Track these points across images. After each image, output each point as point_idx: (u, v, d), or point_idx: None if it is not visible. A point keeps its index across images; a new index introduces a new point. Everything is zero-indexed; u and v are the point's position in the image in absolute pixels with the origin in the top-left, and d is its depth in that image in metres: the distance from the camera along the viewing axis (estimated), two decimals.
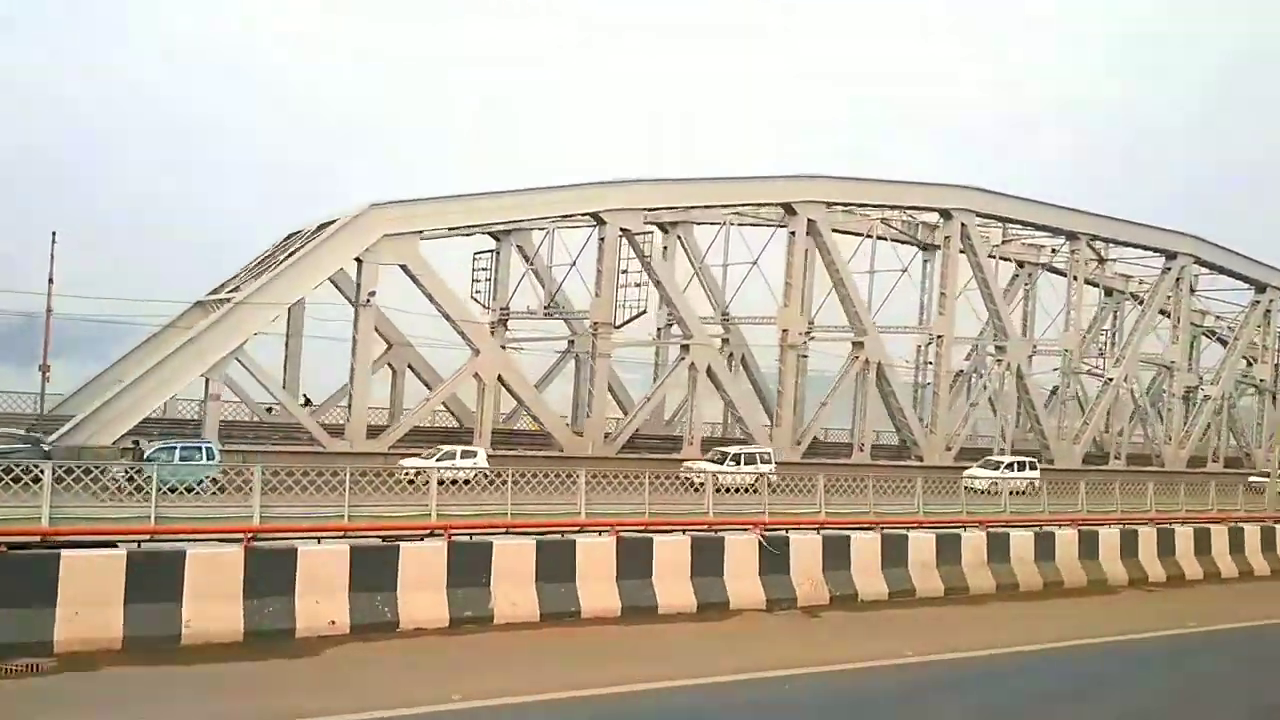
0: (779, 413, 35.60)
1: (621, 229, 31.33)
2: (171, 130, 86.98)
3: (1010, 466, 31.07)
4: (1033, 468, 31.54)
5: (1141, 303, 45.44)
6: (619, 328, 31.91)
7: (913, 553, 20.06)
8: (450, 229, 30.78)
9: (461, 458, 24.88)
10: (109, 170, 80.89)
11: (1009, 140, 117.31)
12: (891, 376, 37.59)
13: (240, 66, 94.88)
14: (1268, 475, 37.33)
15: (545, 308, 35.40)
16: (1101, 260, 45.26)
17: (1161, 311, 45.30)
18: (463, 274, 38.70)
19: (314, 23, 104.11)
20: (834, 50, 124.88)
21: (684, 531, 18.07)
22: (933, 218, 40.42)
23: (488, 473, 21.74)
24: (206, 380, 25.14)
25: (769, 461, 28.36)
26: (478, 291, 39.73)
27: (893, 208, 37.99)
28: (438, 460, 23.95)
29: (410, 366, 34.45)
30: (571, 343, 37.28)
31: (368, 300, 27.31)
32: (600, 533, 17.22)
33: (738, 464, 27.70)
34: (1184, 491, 28.44)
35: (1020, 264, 45.53)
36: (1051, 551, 22.30)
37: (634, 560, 16.69)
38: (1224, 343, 49.82)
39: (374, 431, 28.99)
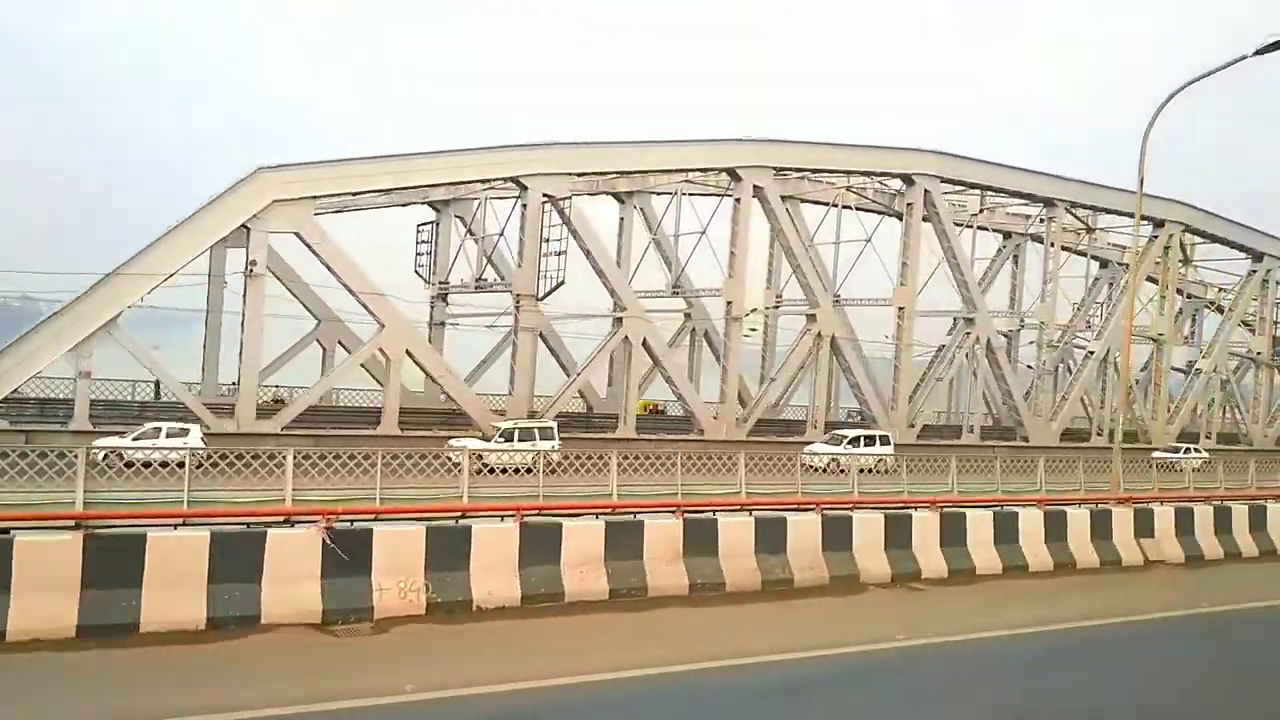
0: (724, 388, 33.65)
1: (545, 195, 29.38)
2: None
3: (857, 441, 28.76)
4: (885, 442, 29.11)
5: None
6: (541, 299, 29.96)
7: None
8: (355, 194, 29.00)
9: (168, 437, 21.53)
10: None
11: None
12: (851, 351, 35.53)
13: None
14: (1177, 450, 35.05)
15: (476, 281, 33.55)
16: (1089, 229, 42.61)
17: (1150, 279, 42.97)
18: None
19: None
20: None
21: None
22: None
23: (201, 453, 17.78)
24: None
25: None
26: (420, 265, 38.05)
27: (847, 173, 35.60)
28: (134, 439, 20.97)
29: (341, 343, 32.85)
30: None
31: (250, 270, 25.57)
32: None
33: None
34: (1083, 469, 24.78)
35: (1006, 234, 42.94)
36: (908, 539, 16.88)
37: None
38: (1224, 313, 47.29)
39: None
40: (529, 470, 20.55)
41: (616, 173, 33.04)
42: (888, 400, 36.19)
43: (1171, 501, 21.03)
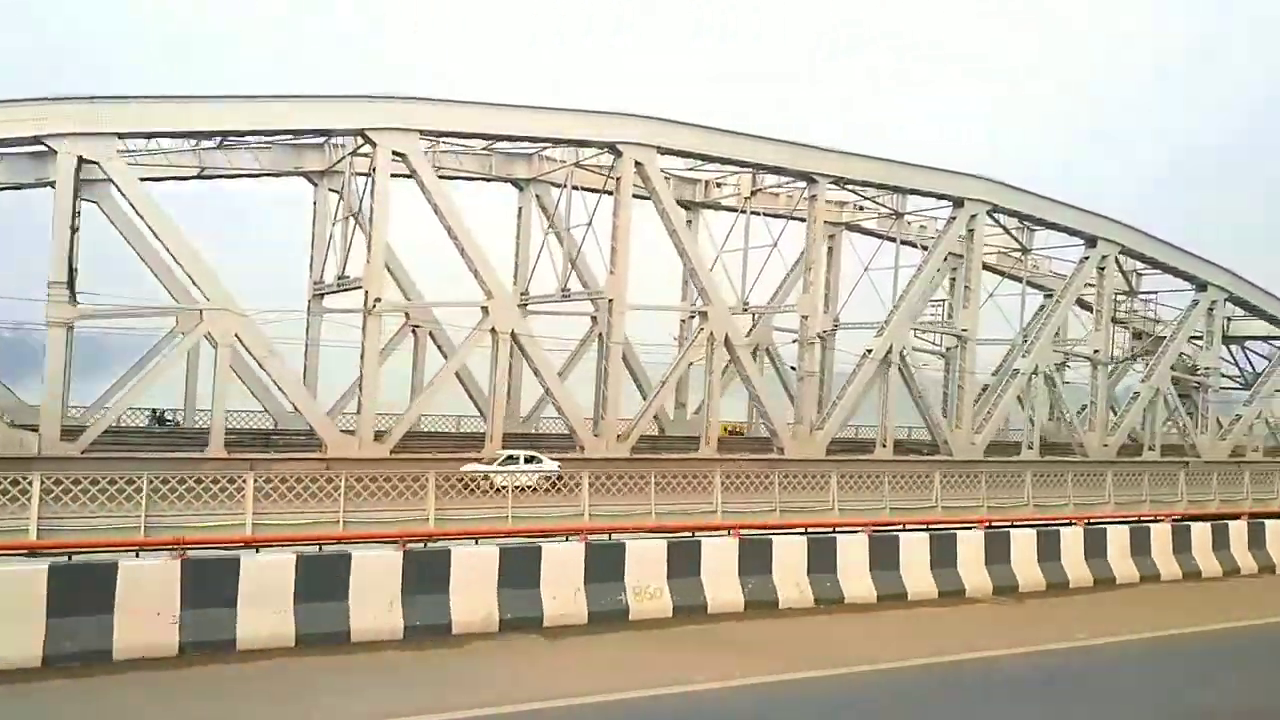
0: (605, 397, 30.33)
1: (395, 153, 26.41)
2: None
3: (511, 460, 25.07)
4: (538, 460, 25.39)
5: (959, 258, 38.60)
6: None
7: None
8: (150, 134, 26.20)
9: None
10: None
11: None
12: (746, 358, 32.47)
13: None
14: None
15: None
16: (898, 215, 38.94)
17: (1083, 303, 40.26)
18: None
19: None
20: None
21: None
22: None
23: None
24: None
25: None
26: None
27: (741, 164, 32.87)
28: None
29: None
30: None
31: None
32: None
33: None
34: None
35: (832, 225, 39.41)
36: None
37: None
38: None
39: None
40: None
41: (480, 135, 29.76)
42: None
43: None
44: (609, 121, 29.50)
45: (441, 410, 36.27)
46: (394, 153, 26.44)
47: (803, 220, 39.59)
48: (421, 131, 27.15)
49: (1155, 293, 46.56)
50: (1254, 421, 44.09)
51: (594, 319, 32.77)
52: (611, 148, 29.81)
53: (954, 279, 38.01)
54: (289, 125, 27.71)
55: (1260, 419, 44.36)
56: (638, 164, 29.70)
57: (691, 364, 33.87)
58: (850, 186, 36.05)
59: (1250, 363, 48.26)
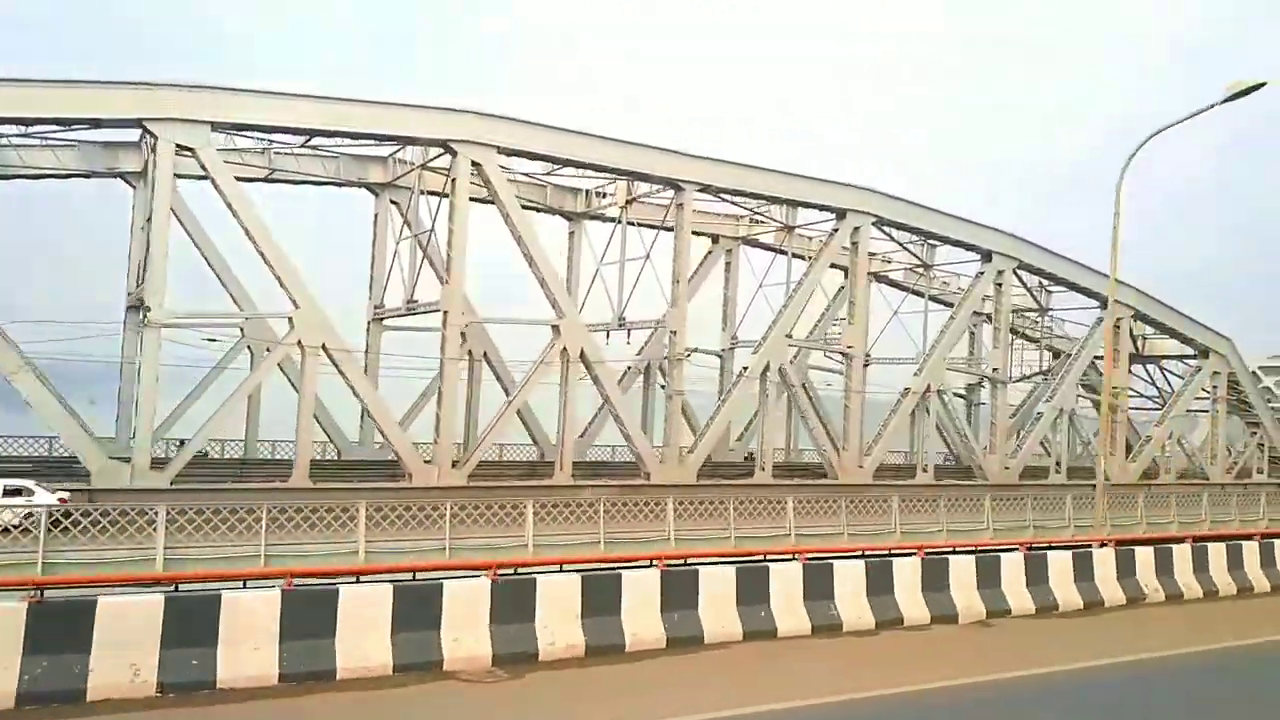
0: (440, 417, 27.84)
1: (179, 145, 23.78)
2: None
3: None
4: (30, 493, 19.83)
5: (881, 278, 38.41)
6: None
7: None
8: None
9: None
10: None
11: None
12: (604, 373, 30.14)
13: None
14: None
15: None
16: (789, 228, 36.80)
17: (1000, 320, 38.53)
18: None
19: None
20: None
21: None
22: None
23: None
24: None
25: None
26: None
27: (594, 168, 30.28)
28: None
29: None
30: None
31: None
32: None
33: None
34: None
35: (715, 238, 37.91)
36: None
37: None
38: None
39: None
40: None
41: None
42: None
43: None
44: (442, 118, 27.19)
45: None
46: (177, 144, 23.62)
47: (699, 234, 38.00)
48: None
49: (1069, 309, 44.94)
50: (1166, 443, 42.32)
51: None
52: (445, 146, 27.57)
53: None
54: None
55: (1174, 441, 42.58)
56: (476, 164, 27.48)
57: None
58: (734, 198, 34.05)
59: (1169, 383, 46.81)
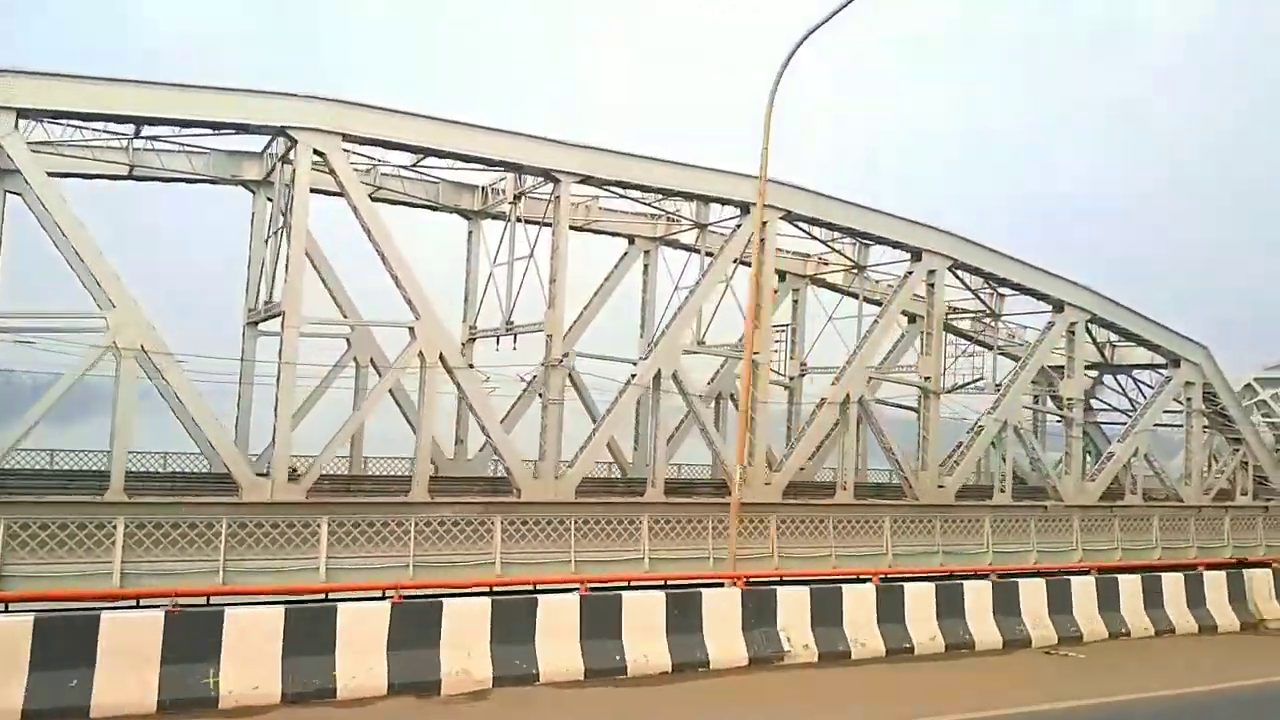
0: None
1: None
2: None
3: None
4: None
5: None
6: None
7: None
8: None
9: None
10: None
11: None
12: (466, 378, 27.81)
13: None
14: None
15: None
16: (701, 226, 34.05)
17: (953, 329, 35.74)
18: None
19: None
20: None
21: None
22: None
23: None
24: None
25: None
26: None
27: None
28: None
29: None
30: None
31: None
32: None
33: None
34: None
35: (631, 239, 35.71)
36: None
37: None
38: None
39: None
40: None
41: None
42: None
43: None
44: (280, 104, 25.15)
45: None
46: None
47: (599, 232, 35.96)
48: None
49: (1025, 314, 41.72)
50: (1131, 460, 38.92)
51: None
52: (282, 133, 25.57)
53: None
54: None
55: (1139, 458, 39.14)
56: (320, 154, 25.46)
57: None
58: (643, 195, 31.71)
59: (1143, 394, 43.40)
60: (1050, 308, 37.30)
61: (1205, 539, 35.24)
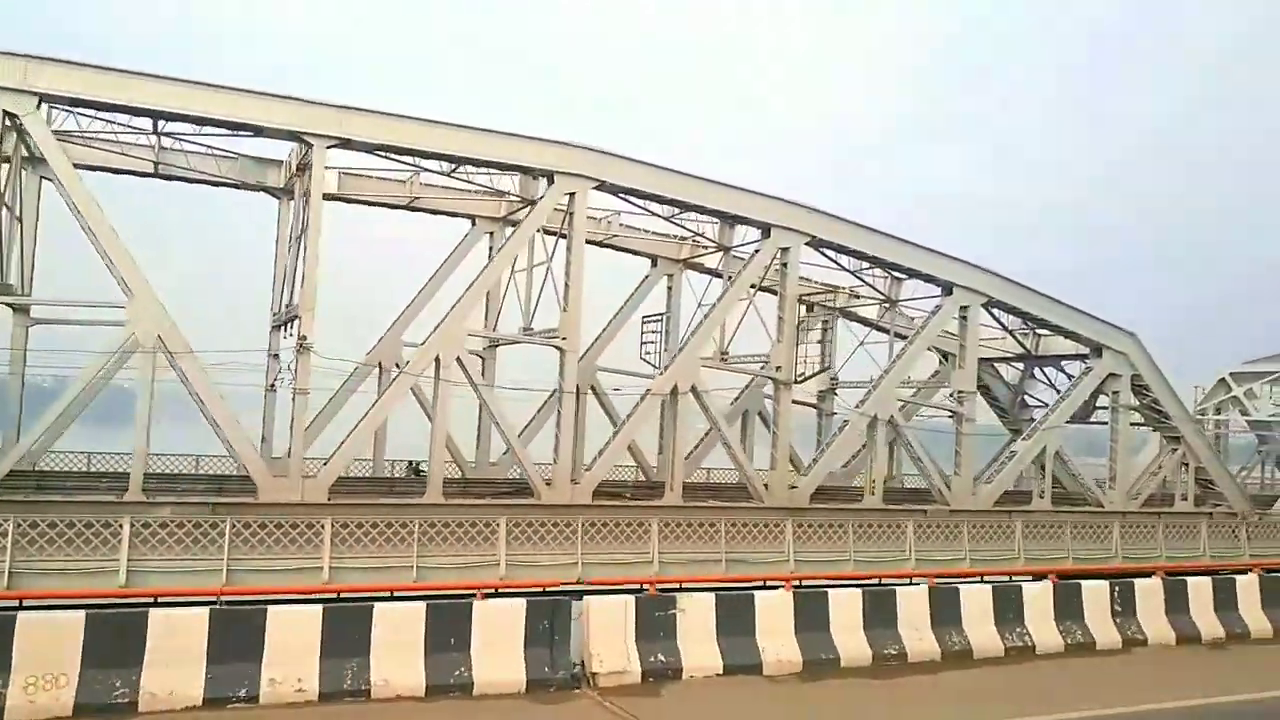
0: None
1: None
2: None
3: None
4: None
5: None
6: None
7: None
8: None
9: None
10: None
11: None
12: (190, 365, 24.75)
13: None
14: None
15: None
16: (525, 201, 30.79)
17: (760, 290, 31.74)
18: None
19: None
20: None
21: None
22: None
23: None
24: None
25: None
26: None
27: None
28: None
29: None
30: None
31: None
32: None
33: None
34: None
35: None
36: None
37: None
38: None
39: None
40: None
41: None
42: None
43: None
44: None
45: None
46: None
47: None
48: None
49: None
50: (1034, 461, 34.63)
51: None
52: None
53: None
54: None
55: (1046, 459, 34.76)
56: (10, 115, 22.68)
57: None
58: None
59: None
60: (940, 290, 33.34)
61: (1134, 547, 30.97)
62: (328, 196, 26.89)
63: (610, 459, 29.13)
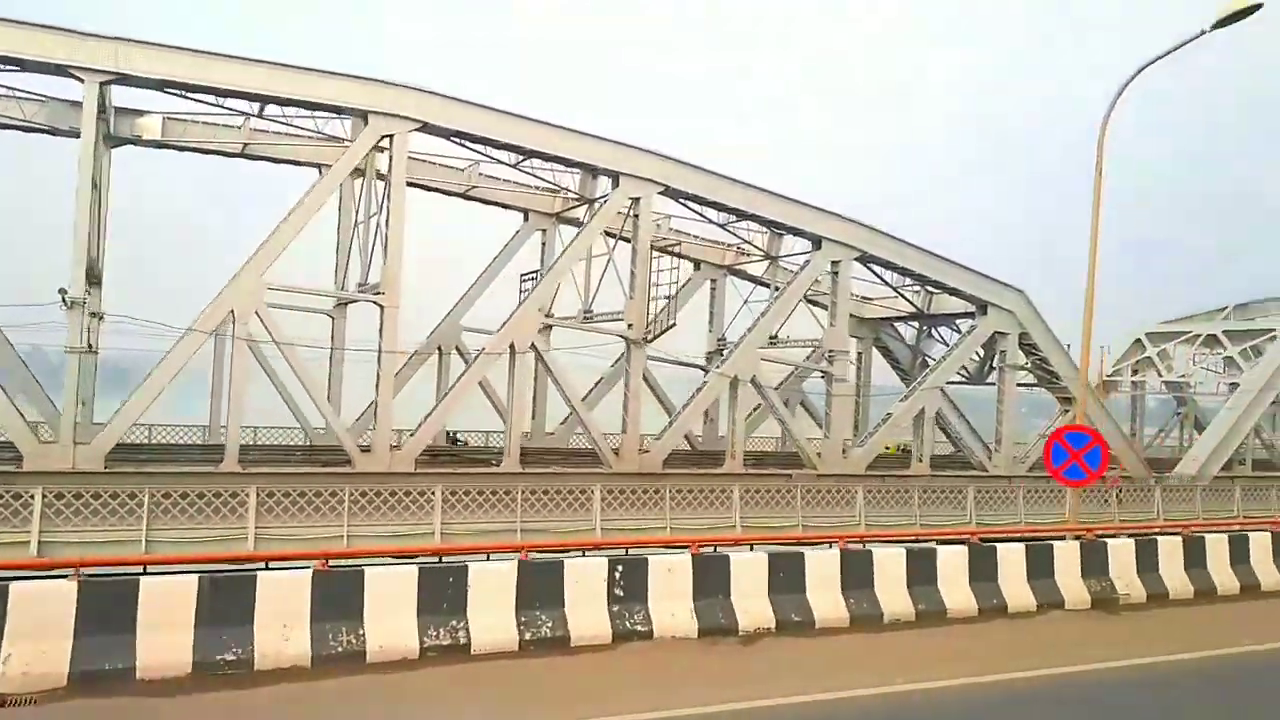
0: None
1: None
2: None
3: None
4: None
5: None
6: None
7: None
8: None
9: None
10: None
11: None
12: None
13: None
14: None
15: None
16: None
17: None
18: None
19: None
20: None
21: None
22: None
23: None
24: None
25: None
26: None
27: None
28: None
29: None
30: None
31: None
32: None
33: None
34: None
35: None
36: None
37: None
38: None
39: None
40: None
41: None
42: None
43: None
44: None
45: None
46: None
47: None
48: None
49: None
50: (912, 422, 33.37)
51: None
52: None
53: None
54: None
55: (925, 420, 33.50)
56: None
57: None
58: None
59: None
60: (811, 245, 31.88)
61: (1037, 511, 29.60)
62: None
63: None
